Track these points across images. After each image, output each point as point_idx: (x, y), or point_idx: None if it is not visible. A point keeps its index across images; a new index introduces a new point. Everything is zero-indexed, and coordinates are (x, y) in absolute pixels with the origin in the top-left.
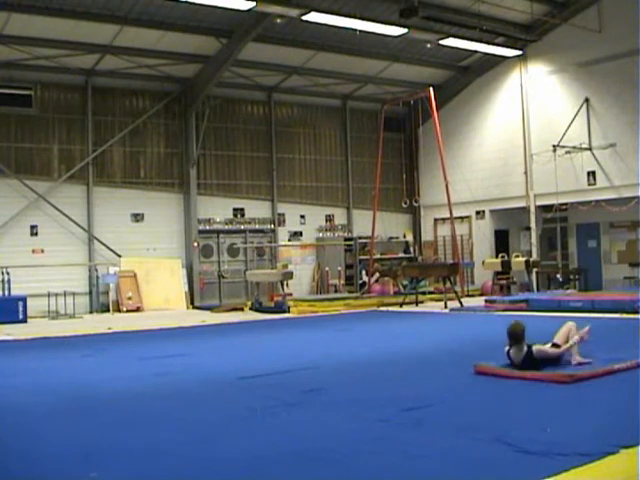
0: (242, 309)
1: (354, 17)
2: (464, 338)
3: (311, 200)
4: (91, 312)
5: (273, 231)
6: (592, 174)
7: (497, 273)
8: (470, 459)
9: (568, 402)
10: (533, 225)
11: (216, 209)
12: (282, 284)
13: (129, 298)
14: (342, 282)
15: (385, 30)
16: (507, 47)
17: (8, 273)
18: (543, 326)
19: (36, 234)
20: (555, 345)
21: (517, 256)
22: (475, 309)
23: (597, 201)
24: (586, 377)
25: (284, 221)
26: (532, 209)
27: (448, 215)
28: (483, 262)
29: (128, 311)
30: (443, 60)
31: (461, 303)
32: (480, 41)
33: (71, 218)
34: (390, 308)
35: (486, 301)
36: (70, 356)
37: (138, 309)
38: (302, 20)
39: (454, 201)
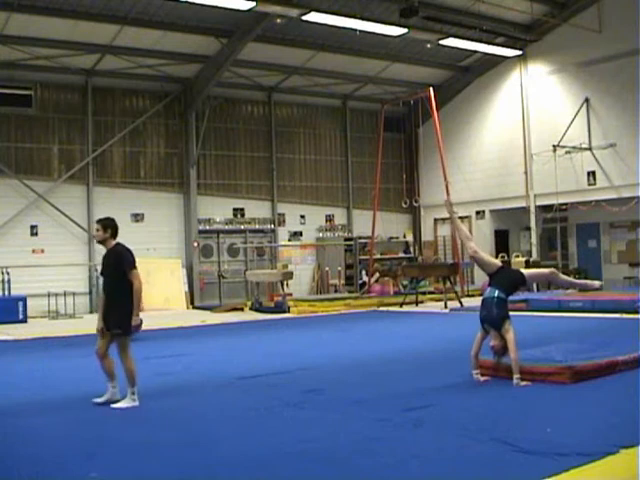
0: (242, 309)
1: (354, 17)
2: (464, 338)
3: (311, 200)
4: (91, 312)
5: (273, 231)
6: (592, 174)
7: None
8: (470, 459)
9: (568, 402)
10: (533, 225)
11: (216, 209)
12: (282, 284)
13: None
14: (342, 282)
15: (385, 30)
16: (507, 47)
17: (8, 273)
18: (543, 326)
19: (36, 234)
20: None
21: (517, 256)
22: (475, 309)
23: (597, 201)
24: (588, 370)
25: (284, 221)
26: (532, 209)
27: (448, 215)
28: None
29: None
30: (443, 60)
31: (461, 303)
32: (480, 41)
33: (71, 218)
34: (390, 308)
35: None
36: (70, 356)
37: None
38: (302, 20)
39: (454, 201)
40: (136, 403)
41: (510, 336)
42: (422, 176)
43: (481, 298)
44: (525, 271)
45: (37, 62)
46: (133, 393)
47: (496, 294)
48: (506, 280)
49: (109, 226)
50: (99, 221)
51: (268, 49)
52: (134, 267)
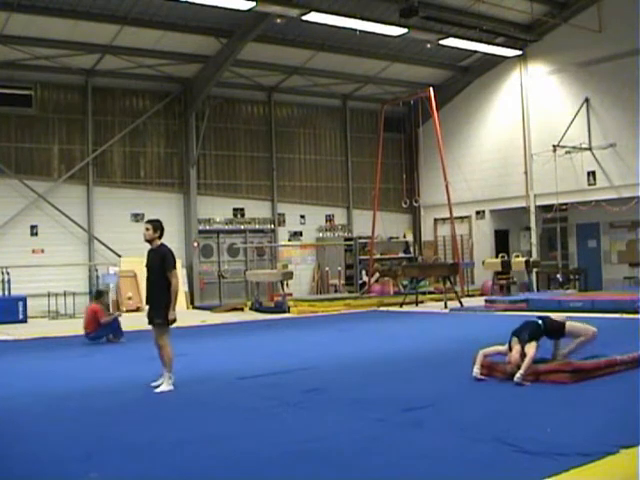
0: (242, 309)
1: (354, 17)
2: (464, 338)
3: (311, 200)
4: None
5: (273, 231)
6: (592, 174)
7: (497, 273)
8: (470, 459)
9: (568, 402)
10: (533, 225)
11: (216, 209)
12: (282, 284)
13: (129, 298)
14: (342, 282)
15: (385, 30)
16: (507, 47)
17: (8, 273)
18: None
19: (36, 234)
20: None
21: (517, 256)
22: (475, 309)
23: (597, 201)
24: (588, 370)
25: (284, 221)
26: (532, 209)
27: (448, 215)
28: (483, 262)
29: (128, 311)
30: (443, 60)
31: (461, 303)
32: (480, 41)
33: (71, 218)
34: (390, 308)
35: (486, 301)
36: (70, 356)
37: (138, 309)
38: (302, 20)
39: (454, 201)
40: (171, 387)
41: (532, 351)
42: (422, 176)
43: (525, 320)
44: (570, 323)
45: (37, 62)
46: (170, 377)
47: (540, 322)
48: (553, 327)
49: (158, 227)
50: (150, 222)
51: (268, 49)
52: (174, 268)
